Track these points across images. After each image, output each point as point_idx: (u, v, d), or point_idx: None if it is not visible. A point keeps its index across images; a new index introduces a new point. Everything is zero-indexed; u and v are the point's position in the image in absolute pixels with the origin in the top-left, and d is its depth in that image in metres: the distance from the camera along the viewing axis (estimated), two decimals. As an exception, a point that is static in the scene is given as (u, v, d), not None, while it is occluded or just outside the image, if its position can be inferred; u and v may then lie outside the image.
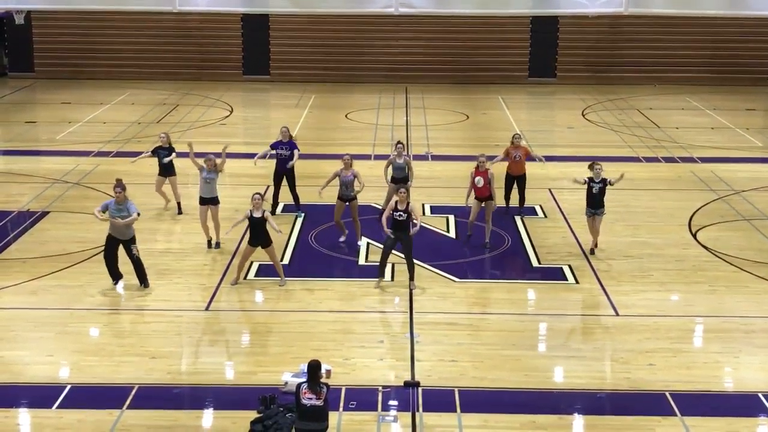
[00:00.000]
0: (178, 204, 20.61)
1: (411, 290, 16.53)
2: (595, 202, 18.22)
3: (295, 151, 20.29)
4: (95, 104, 34.11)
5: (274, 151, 20.41)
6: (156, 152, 20.45)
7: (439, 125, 31.40)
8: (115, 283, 16.51)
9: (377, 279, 16.87)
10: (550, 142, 29.51)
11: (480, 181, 18.56)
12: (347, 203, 18.67)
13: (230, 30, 40.15)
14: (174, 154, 20.34)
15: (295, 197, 20.66)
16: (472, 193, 18.75)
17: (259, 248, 16.63)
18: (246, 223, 16.67)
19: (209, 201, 18.36)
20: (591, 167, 18.38)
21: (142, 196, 20.34)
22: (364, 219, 19.64)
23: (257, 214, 16.38)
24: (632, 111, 33.91)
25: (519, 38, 40.39)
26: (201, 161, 18.48)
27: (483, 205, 18.73)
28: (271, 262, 16.92)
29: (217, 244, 18.52)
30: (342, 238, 18.97)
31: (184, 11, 22.42)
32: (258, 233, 16.53)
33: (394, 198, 16.88)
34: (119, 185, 16.18)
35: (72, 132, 29.48)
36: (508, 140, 21.16)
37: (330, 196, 18.93)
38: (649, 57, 40.13)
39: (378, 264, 16.96)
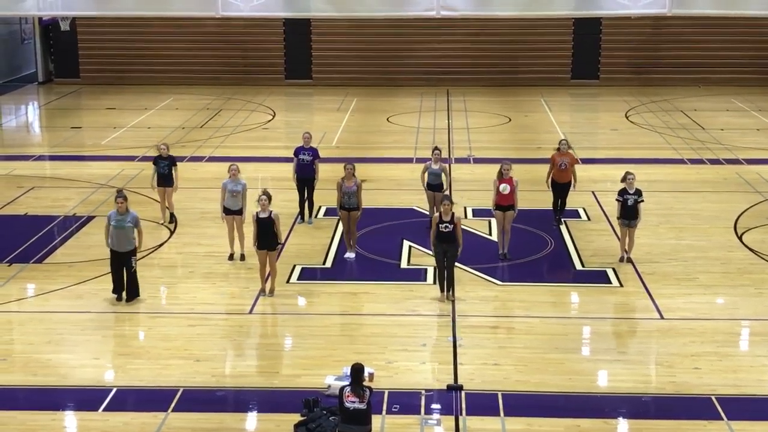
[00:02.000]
0: (171, 215, 20.37)
1: (452, 300, 16.36)
2: (630, 214, 17.90)
3: (317, 161, 20.27)
4: (140, 109, 34.44)
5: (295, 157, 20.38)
6: (156, 162, 20.12)
7: (480, 128, 31.33)
8: (118, 299, 16.29)
9: (440, 294, 16.45)
10: (594, 144, 29.35)
11: (506, 188, 18.07)
12: (349, 213, 18.27)
13: (272, 35, 40.37)
14: (174, 167, 20.00)
15: (311, 204, 20.59)
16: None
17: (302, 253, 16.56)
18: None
19: (234, 212, 18.02)
20: (624, 178, 17.88)
21: (185, 201, 20.47)
22: (406, 222, 19.64)
23: (263, 215, 16.04)
24: (676, 112, 33.59)
25: (561, 40, 40.16)
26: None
27: (504, 214, 18.29)
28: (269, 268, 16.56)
29: (242, 257, 18.16)
30: (351, 255, 18.51)
31: (227, 17, 22.48)
32: (263, 235, 16.13)
33: (438, 209, 16.62)
34: (120, 195, 16.07)
35: (117, 137, 29.78)
36: (550, 142, 21.00)
37: (373, 200, 18.77)
38: (693, 58, 39.75)
39: (437, 278, 16.62)
